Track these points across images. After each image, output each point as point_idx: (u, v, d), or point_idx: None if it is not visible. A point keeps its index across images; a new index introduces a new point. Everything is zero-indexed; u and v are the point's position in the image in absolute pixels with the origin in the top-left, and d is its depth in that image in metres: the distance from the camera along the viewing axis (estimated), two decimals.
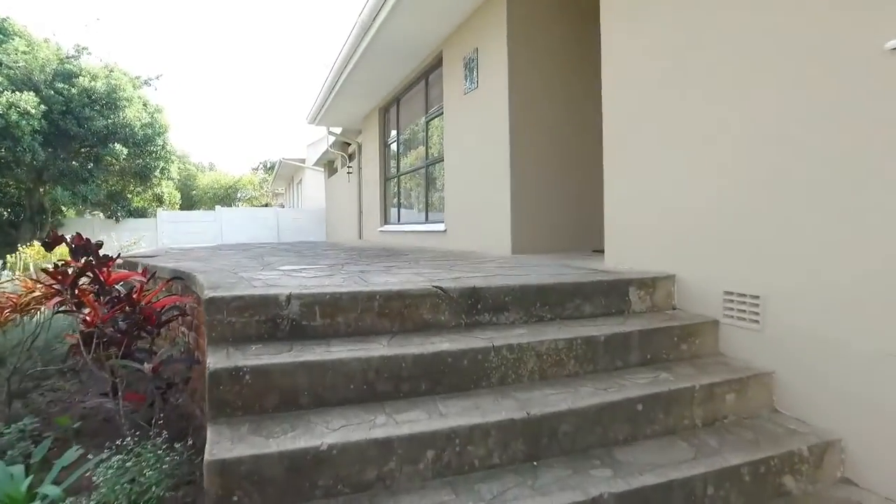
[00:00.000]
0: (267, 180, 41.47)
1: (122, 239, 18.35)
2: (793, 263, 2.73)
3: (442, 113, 7.70)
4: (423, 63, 8.45)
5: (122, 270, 3.77)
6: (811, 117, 2.62)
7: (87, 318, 3.26)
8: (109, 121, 18.54)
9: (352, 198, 14.67)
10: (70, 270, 3.21)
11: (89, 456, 2.55)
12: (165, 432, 2.68)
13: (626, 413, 2.46)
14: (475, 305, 2.94)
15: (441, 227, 7.62)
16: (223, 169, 56.55)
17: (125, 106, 19.11)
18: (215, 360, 2.25)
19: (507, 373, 2.61)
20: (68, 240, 4.27)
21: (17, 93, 16.08)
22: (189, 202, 39.47)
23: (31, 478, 2.25)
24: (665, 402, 2.55)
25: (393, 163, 10.95)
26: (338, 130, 14.04)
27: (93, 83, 18.48)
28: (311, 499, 1.96)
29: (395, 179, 10.72)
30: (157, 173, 21.04)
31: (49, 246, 4.20)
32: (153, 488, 2.18)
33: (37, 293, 3.49)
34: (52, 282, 3.18)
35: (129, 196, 22.31)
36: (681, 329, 3.07)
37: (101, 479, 2.20)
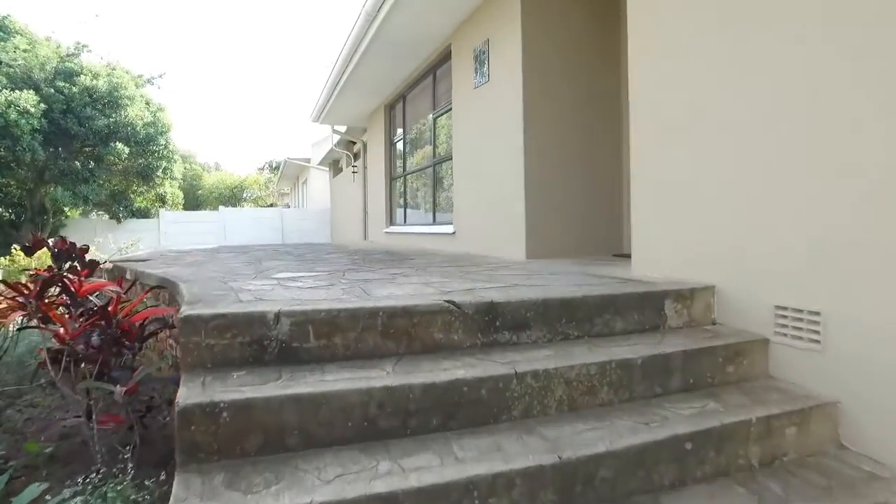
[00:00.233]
0: (272, 180, 41.22)
1: (123, 240, 18.12)
2: (865, 277, 2.34)
3: (450, 109, 7.32)
4: (430, 56, 8.08)
5: (98, 280, 3.42)
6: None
7: (61, 332, 2.95)
8: (111, 120, 18.23)
9: (357, 198, 14.32)
10: (33, 282, 2.86)
11: (48, 497, 2.21)
12: (145, 459, 2.36)
13: (672, 453, 2.09)
14: (493, 323, 2.57)
15: (450, 228, 7.25)
16: (229, 169, 56.43)
17: (127, 105, 18.80)
18: (187, 394, 1.90)
19: (531, 403, 2.24)
20: (51, 243, 3.97)
21: (16, 91, 15.81)
22: (195, 202, 39.27)
23: None
24: (717, 439, 2.17)
25: (399, 162, 10.59)
26: (342, 129, 13.70)
27: (94, 82, 18.18)
28: None
29: (402, 179, 10.36)
30: (159, 173, 20.71)
31: (29, 250, 3.88)
32: None
33: (3, 305, 3.15)
34: (15, 294, 2.84)
35: (132, 196, 22.02)
36: (726, 349, 2.69)
37: None
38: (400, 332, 2.42)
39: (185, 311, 2.23)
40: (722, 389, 2.58)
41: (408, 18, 6.70)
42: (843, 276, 2.42)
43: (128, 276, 4.93)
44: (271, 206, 38.57)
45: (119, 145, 18.45)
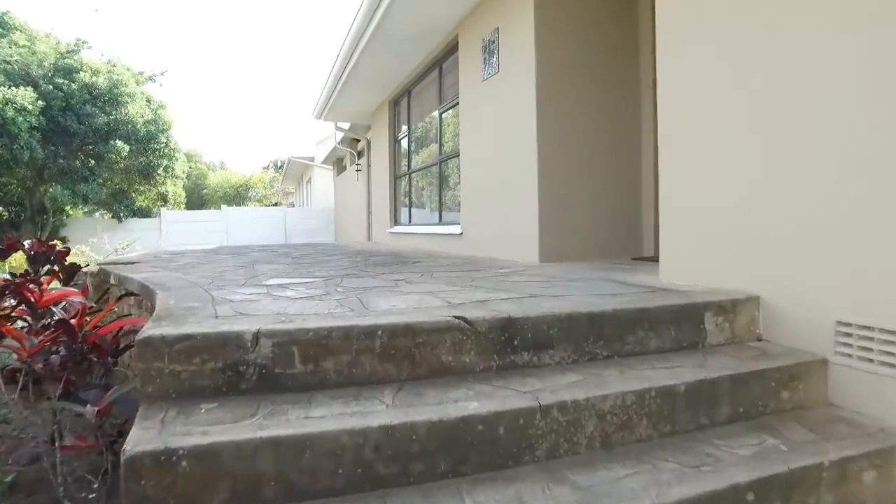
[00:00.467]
0: (277, 179, 40.94)
1: (121, 240, 17.85)
2: None
3: (457, 103, 6.95)
4: (435, 48, 7.71)
5: (63, 288, 3.08)
6: None
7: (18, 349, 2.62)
8: (111, 117, 17.94)
9: (361, 197, 13.97)
10: None
11: None
12: (116, 489, 2.02)
13: None
14: (510, 342, 2.20)
15: (457, 229, 6.88)
16: (234, 168, 56.22)
17: (127, 102, 18.51)
18: (139, 437, 1.55)
19: (558, 441, 1.87)
20: (27, 245, 3.66)
21: (13, 88, 15.53)
22: (199, 201, 39.06)
23: None
24: (784, 487, 1.80)
25: (404, 160, 10.23)
26: (346, 126, 13.35)
27: (94, 79, 17.89)
28: None
29: (407, 177, 9.99)
30: (160, 171, 20.41)
31: (2, 253, 3.56)
32: None
33: None
34: None
35: (133, 195, 21.74)
36: (780, 371, 2.31)
37: None
38: (402, 355, 2.05)
39: (147, 329, 1.88)
40: (778, 420, 2.20)
41: (411, 8, 6.34)
42: None
43: (112, 281, 4.61)
44: (275, 205, 38.29)
45: (119, 143, 18.16)
